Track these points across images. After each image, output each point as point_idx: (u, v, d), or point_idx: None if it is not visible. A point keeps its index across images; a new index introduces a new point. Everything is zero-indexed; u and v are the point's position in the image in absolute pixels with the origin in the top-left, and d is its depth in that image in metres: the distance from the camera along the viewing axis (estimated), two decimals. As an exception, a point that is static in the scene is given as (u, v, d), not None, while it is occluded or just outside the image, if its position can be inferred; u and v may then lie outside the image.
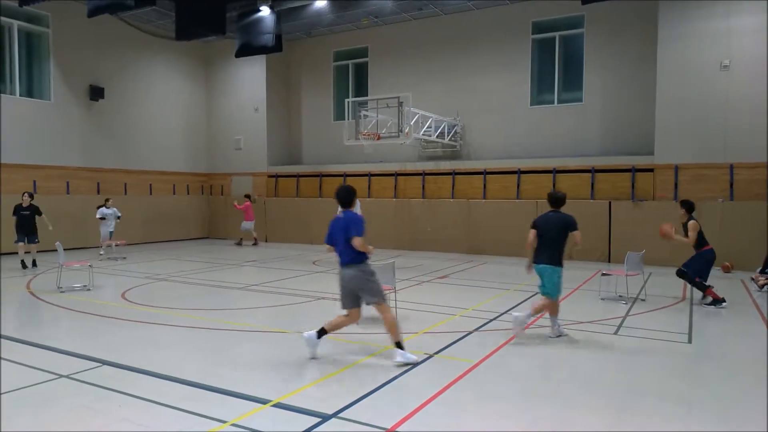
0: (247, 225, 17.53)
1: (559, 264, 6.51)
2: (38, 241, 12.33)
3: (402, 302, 8.01)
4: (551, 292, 6.54)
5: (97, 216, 14.19)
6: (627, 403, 4.56)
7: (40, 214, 12.30)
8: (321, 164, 19.39)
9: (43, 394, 4.72)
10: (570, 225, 6.52)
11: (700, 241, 8.36)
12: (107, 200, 14.59)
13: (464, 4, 16.36)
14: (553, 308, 6.60)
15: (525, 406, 4.49)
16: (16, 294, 9.29)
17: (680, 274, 8.58)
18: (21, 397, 4.64)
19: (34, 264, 12.40)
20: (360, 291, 5.50)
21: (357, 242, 5.28)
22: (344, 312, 5.67)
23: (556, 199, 6.75)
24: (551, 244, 6.51)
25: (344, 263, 5.48)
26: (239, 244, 17.83)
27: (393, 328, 5.50)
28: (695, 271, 8.32)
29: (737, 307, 8.30)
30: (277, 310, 8.34)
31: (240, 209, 17.50)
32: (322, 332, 5.61)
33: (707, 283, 8.37)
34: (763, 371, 5.31)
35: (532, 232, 6.59)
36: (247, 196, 18.02)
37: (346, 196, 5.59)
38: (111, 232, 14.35)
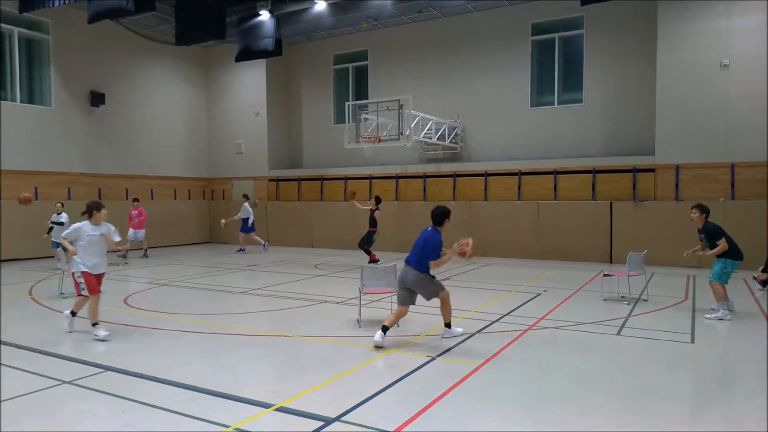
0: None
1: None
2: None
3: (404, 305, 7.99)
4: None
5: (49, 222, 12.46)
6: (630, 403, 4.55)
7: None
8: (322, 168, 19.41)
9: (46, 400, 4.73)
10: None
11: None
12: (58, 206, 12.76)
13: (463, 6, 16.38)
14: None
15: (528, 407, 4.48)
16: (18, 300, 9.29)
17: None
18: (24, 403, 4.64)
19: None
20: (420, 291, 6.43)
21: (432, 266, 6.33)
22: (400, 307, 6.45)
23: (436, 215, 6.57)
24: None
25: (407, 266, 6.43)
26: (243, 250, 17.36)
27: (448, 313, 6.57)
28: None
29: (740, 306, 8.28)
30: (279, 313, 8.34)
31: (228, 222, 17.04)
32: (385, 329, 6.23)
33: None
34: (766, 370, 5.29)
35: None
36: (245, 196, 17.56)
37: (438, 217, 6.49)
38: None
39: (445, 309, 6.53)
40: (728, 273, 7.67)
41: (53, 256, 13.19)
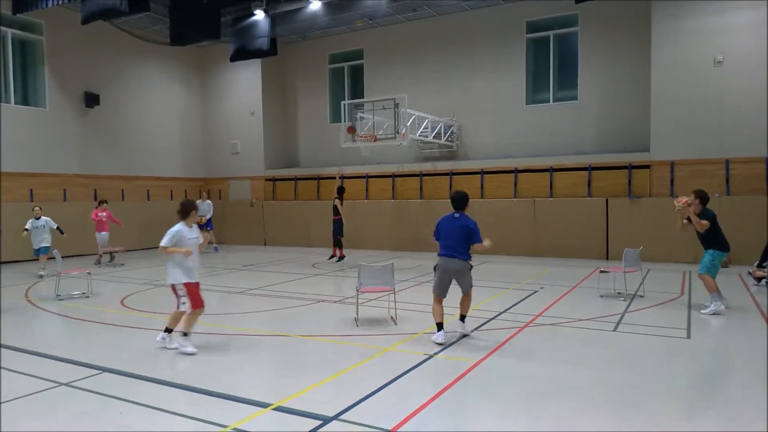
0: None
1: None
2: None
3: (401, 303, 8.02)
4: None
5: (26, 226, 12.04)
6: (627, 400, 4.57)
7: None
8: (318, 167, 19.40)
9: (43, 402, 4.72)
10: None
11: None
12: (36, 209, 12.35)
13: (458, 4, 16.39)
14: None
15: (526, 405, 4.50)
16: (14, 302, 9.26)
17: None
18: (22, 405, 4.63)
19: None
20: (460, 281, 6.47)
21: (480, 249, 6.36)
22: (437, 298, 6.51)
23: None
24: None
25: (453, 256, 6.34)
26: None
27: (468, 307, 6.61)
28: None
29: (735, 301, 8.32)
30: (276, 313, 8.34)
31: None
32: (440, 325, 6.29)
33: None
34: (763, 366, 5.32)
35: None
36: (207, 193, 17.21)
37: (462, 201, 6.54)
38: (46, 248, 12.03)
39: (467, 302, 6.59)
40: (716, 265, 7.70)
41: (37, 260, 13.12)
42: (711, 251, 7.72)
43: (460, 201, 6.54)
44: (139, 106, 18.74)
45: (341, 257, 13.94)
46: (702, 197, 7.87)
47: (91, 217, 13.93)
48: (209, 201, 17.01)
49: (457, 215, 6.51)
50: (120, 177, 18.01)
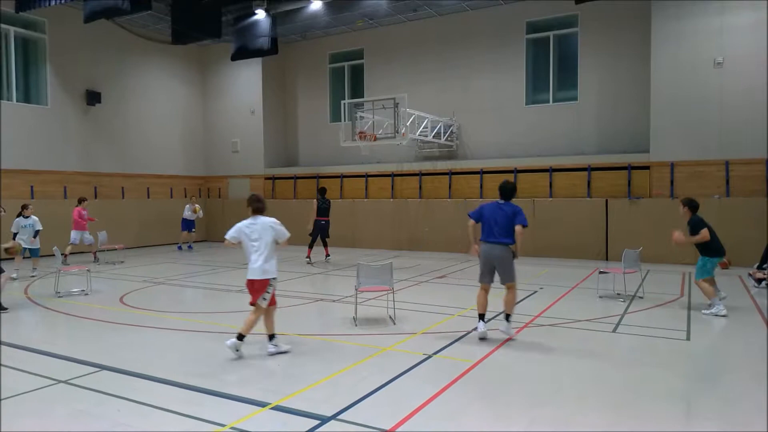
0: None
1: None
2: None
3: (400, 302, 8.02)
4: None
5: (11, 230, 11.54)
6: (626, 401, 4.57)
7: None
8: (318, 166, 19.40)
9: (42, 399, 4.73)
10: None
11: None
12: (24, 208, 11.66)
13: (458, 4, 16.39)
14: None
15: (524, 405, 4.50)
16: (14, 299, 9.27)
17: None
18: (20, 402, 4.64)
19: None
20: (501, 269, 6.44)
21: (519, 229, 6.37)
22: (484, 287, 6.57)
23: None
24: None
25: (496, 242, 6.41)
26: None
27: (512, 305, 6.49)
28: None
29: (735, 303, 8.33)
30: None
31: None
32: (482, 317, 6.43)
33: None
34: (763, 368, 5.32)
35: None
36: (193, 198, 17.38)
37: (512, 192, 6.69)
38: (27, 249, 11.68)
39: (511, 299, 6.50)
40: (708, 269, 7.73)
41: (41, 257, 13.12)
42: (703, 258, 7.76)
43: (510, 192, 6.66)
44: (140, 105, 18.75)
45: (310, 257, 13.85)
46: (690, 205, 7.90)
47: (76, 216, 13.37)
48: (197, 205, 17.31)
49: (502, 202, 6.59)
50: (120, 174, 18.03)
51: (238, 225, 5.89)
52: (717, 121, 12.94)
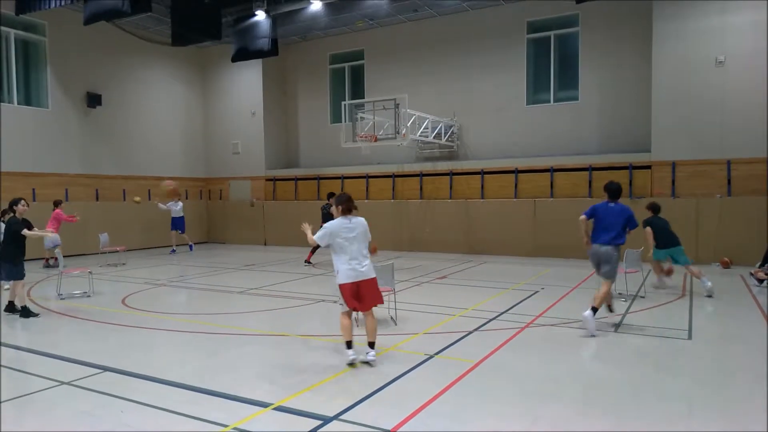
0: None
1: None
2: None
3: (401, 303, 8.02)
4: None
5: None
6: (628, 401, 4.57)
7: None
8: (318, 167, 19.42)
9: (45, 401, 4.74)
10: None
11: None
12: (4, 213, 9.99)
13: (459, 5, 16.39)
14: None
15: (526, 405, 4.50)
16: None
17: None
18: (23, 404, 4.65)
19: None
20: (604, 264, 6.80)
21: (632, 233, 6.99)
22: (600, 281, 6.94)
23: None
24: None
25: (606, 242, 6.77)
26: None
27: (601, 299, 6.75)
28: None
29: (736, 302, 8.32)
30: (276, 313, 8.35)
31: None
32: (594, 310, 6.60)
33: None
34: (764, 368, 5.32)
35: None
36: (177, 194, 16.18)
37: (618, 192, 7.08)
38: None
39: (601, 293, 6.80)
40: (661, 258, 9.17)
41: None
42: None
43: (616, 191, 7.04)
44: (140, 107, 18.78)
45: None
46: (652, 208, 9.21)
47: (66, 219, 12.94)
48: (180, 202, 16.80)
49: (612, 204, 6.95)
50: (121, 177, 18.05)
51: (331, 227, 5.51)
52: (719, 120, 12.93)
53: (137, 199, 15.03)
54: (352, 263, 5.44)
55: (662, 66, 13.50)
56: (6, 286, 8.85)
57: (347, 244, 5.46)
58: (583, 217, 6.98)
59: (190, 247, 17.27)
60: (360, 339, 5.81)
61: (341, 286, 5.49)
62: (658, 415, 4.26)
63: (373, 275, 5.55)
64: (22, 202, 8.14)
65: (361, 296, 5.47)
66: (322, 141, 19.67)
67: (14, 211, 7.98)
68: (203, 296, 9.87)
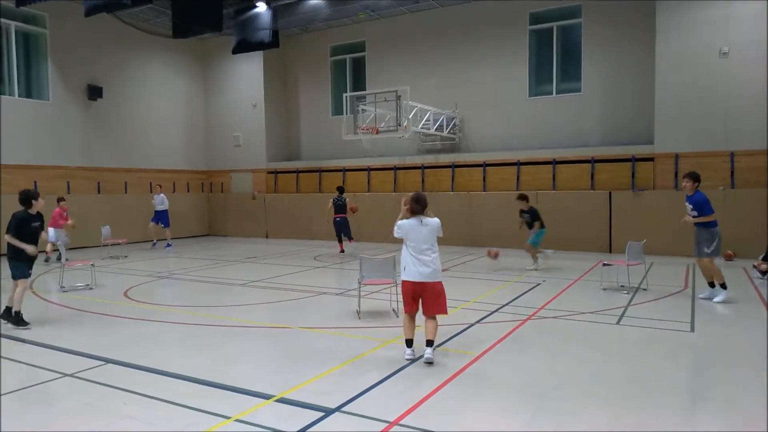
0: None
1: None
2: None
3: (403, 296, 8.01)
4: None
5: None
6: (630, 394, 4.57)
7: None
8: (320, 159, 19.39)
9: (48, 392, 4.75)
10: None
11: None
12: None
13: (461, -4, 16.29)
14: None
15: (528, 398, 4.50)
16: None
17: None
18: (26, 396, 4.67)
19: None
20: (697, 245, 7.95)
21: (702, 220, 7.88)
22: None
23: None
24: None
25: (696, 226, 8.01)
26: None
27: (710, 272, 7.93)
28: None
29: (739, 294, 8.31)
30: (278, 305, 8.36)
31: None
32: (712, 284, 7.87)
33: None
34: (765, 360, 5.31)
35: None
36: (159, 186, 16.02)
37: (697, 177, 7.99)
38: None
39: (712, 269, 7.85)
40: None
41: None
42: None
43: (696, 177, 7.91)
44: (141, 99, 18.74)
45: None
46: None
47: (57, 216, 12.47)
48: (162, 194, 16.31)
49: (691, 193, 7.88)
50: (123, 169, 18.05)
51: (403, 225, 5.49)
52: (722, 111, 12.85)
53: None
54: (417, 264, 5.40)
55: (665, 57, 13.40)
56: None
57: (415, 245, 5.43)
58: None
59: (168, 244, 16.08)
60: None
61: (402, 283, 5.52)
62: (661, 407, 4.25)
63: (438, 279, 5.44)
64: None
65: (423, 299, 5.42)
66: (323, 133, 19.62)
67: (31, 205, 7.02)
68: (205, 289, 9.88)
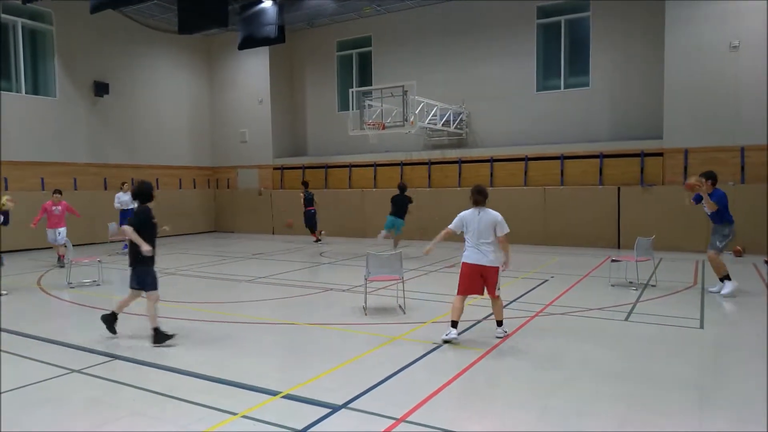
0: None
1: None
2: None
3: (410, 292, 7.99)
4: None
5: None
6: (638, 391, 4.52)
7: None
8: (326, 155, 19.36)
9: (55, 388, 4.76)
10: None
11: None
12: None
13: (468, -10, 16.18)
14: None
15: (535, 394, 4.46)
16: (26, 290, 9.35)
17: None
18: (34, 392, 4.67)
19: None
20: (712, 236, 8.09)
21: (709, 201, 7.94)
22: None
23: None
24: None
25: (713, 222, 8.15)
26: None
27: (717, 267, 7.97)
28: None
29: (749, 290, 8.22)
30: (285, 302, 8.35)
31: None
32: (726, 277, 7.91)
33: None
34: (777, 355, 5.24)
35: None
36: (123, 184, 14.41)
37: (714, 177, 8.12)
38: None
39: (716, 261, 7.90)
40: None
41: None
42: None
43: (713, 177, 8.01)
44: (147, 95, 18.77)
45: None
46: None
47: (47, 209, 11.66)
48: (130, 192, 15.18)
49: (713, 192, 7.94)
50: (129, 166, 18.09)
51: (462, 216, 5.95)
52: (732, 106, 12.70)
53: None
54: (476, 252, 5.81)
55: (675, 51, 13.25)
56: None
57: (472, 234, 5.83)
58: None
59: (124, 246, 12.49)
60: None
61: (462, 264, 5.89)
62: (669, 405, 4.20)
63: (497, 265, 5.85)
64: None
65: (484, 280, 5.83)
66: (329, 129, 19.59)
67: (152, 197, 6.14)
68: (212, 285, 9.89)
